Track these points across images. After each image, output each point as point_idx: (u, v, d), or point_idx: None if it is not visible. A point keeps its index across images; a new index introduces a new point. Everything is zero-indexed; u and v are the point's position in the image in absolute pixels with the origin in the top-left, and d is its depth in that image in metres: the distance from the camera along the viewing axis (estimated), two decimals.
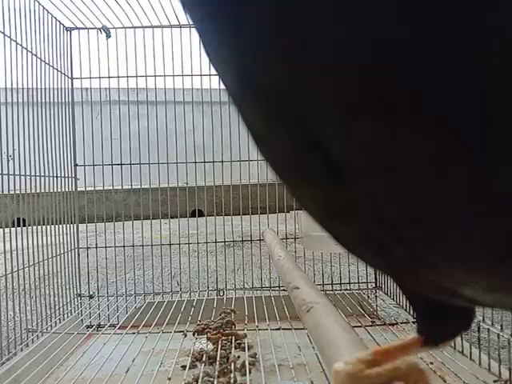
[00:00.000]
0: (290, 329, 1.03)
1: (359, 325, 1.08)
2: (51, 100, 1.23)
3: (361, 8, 0.13)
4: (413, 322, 1.12)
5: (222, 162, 1.40)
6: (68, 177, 1.32)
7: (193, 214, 1.54)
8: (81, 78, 1.38)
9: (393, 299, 1.31)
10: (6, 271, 1.02)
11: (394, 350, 0.31)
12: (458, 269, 0.20)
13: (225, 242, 1.45)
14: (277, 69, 0.16)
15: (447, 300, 0.25)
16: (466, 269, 0.20)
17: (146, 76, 1.39)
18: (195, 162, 1.40)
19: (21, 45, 1.07)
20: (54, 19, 1.25)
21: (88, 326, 1.21)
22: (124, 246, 1.39)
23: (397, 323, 1.13)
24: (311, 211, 0.23)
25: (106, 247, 1.39)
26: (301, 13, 0.14)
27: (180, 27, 1.35)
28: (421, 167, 0.16)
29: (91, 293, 1.38)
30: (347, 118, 0.16)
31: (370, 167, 0.17)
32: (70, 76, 1.35)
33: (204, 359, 0.93)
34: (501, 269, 0.18)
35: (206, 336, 1.02)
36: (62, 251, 1.26)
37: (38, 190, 1.16)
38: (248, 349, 0.97)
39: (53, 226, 1.22)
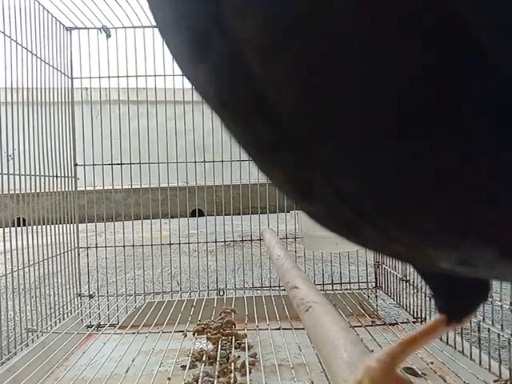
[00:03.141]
0: (290, 328, 1.03)
1: (359, 324, 1.08)
2: (51, 99, 1.23)
3: None
4: (413, 322, 1.12)
5: (222, 161, 1.39)
6: (68, 176, 1.32)
7: (193, 214, 1.54)
8: (81, 78, 1.38)
9: (393, 299, 1.31)
10: (6, 271, 1.02)
11: (420, 337, 0.31)
12: (419, 244, 0.19)
13: (225, 241, 1.45)
14: None
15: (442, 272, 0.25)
16: (429, 245, 0.19)
17: (145, 76, 1.39)
18: (195, 162, 1.40)
19: (21, 45, 1.07)
20: (53, 19, 1.25)
21: (88, 326, 1.21)
22: (124, 246, 1.39)
23: (397, 323, 1.13)
24: (283, 190, 0.23)
25: (106, 247, 1.39)
26: None
27: None
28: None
29: (91, 292, 1.38)
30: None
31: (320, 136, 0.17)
32: (69, 76, 1.35)
33: (204, 359, 0.93)
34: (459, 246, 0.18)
35: (205, 336, 1.02)
36: (61, 251, 1.26)
37: (37, 190, 1.16)
38: (248, 349, 0.97)
39: (53, 226, 1.23)
